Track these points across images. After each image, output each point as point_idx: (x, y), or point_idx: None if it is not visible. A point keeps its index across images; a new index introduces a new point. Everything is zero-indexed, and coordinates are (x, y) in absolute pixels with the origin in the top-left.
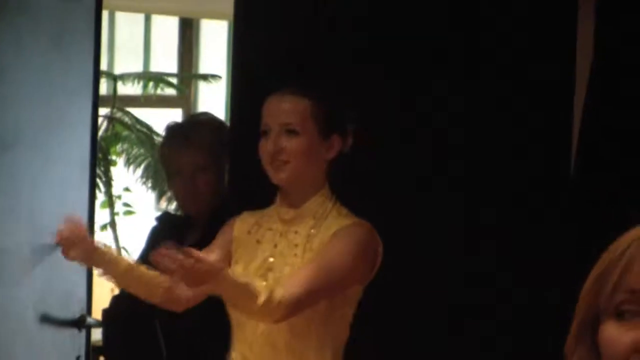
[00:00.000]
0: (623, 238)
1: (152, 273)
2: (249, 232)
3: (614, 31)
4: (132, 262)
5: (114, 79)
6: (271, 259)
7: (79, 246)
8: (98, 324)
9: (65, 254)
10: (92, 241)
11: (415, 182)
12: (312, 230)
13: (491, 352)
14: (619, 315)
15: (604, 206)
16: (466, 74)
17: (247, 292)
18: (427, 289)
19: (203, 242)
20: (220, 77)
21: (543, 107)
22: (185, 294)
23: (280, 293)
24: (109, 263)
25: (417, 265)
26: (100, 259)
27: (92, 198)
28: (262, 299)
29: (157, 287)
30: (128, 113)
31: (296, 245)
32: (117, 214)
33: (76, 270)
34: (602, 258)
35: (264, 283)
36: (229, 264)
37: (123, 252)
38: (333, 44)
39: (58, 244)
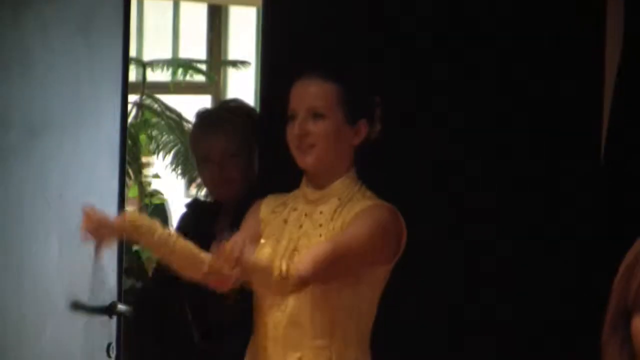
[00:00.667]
0: None
1: (196, 248)
2: (273, 212)
3: None
4: (174, 233)
5: (143, 65)
6: (297, 239)
7: (107, 233)
8: (129, 311)
9: (98, 249)
10: (118, 220)
11: (438, 173)
12: (337, 211)
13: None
14: None
15: (631, 194)
16: (498, 70)
17: (263, 268)
18: (442, 287)
19: (233, 228)
20: (249, 63)
21: (572, 97)
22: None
23: (293, 267)
24: (151, 232)
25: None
26: (135, 229)
27: (122, 184)
28: (275, 273)
29: (202, 262)
30: (157, 100)
31: (320, 225)
32: (148, 199)
33: (107, 257)
34: (630, 252)
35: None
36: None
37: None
38: (359, 30)
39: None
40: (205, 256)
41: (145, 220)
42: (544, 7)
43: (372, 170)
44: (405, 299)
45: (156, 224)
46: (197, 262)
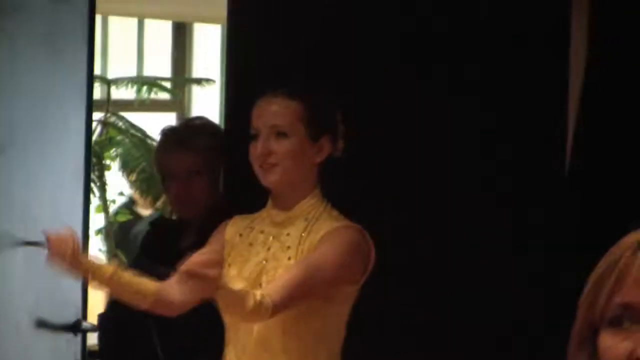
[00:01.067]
0: (616, 247)
1: (139, 279)
2: (240, 235)
3: (608, 32)
4: (117, 269)
5: (107, 83)
6: (264, 262)
7: (68, 257)
8: (94, 329)
9: (53, 261)
10: (81, 254)
11: (419, 185)
12: (304, 233)
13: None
14: (615, 325)
15: (596, 204)
16: (465, 89)
17: (237, 297)
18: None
19: (197, 246)
20: (214, 81)
21: (538, 105)
22: (178, 299)
23: (267, 295)
24: (95, 272)
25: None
26: (85, 268)
27: (86, 202)
28: (250, 303)
29: (145, 293)
30: (122, 117)
31: (288, 248)
32: (111, 216)
33: (71, 277)
34: (597, 267)
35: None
36: (221, 268)
37: (118, 256)
38: (324, 46)
39: (46, 250)
40: (150, 287)
41: (92, 260)
42: (513, 20)
43: (336, 186)
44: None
45: (101, 263)
46: (142, 294)
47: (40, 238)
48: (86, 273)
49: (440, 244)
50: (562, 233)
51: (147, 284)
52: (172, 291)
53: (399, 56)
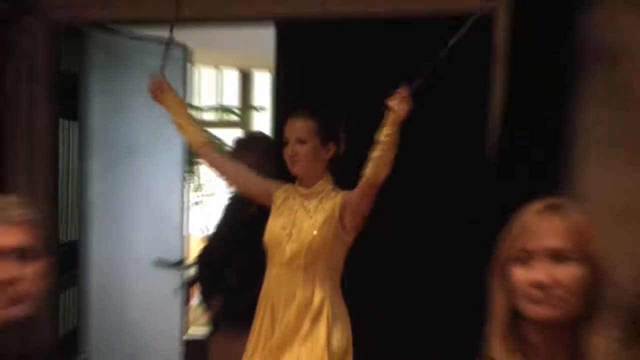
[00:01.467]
0: (524, 209)
1: (197, 129)
2: (283, 198)
3: (522, 55)
4: (191, 116)
5: (197, 109)
6: (294, 219)
7: (163, 93)
8: (191, 265)
9: (155, 98)
10: (171, 93)
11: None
12: (319, 202)
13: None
14: (521, 261)
15: (512, 187)
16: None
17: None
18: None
19: (258, 213)
20: (265, 108)
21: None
22: (218, 159)
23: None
24: (176, 110)
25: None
26: (171, 105)
27: (183, 185)
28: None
29: (198, 139)
30: (207, 131)
31: (309, 211)
32: (203, 195)
33: (176, 232)
34: (511, 222)
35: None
36: (265, 194)
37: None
38: (333, 86)
39: (152, 92)
40: (202, 138)
41: (176, 95)
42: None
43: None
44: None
45: (179, 99)
46: (196, 139)
47: (156, 207)
48: (168, 109)
49: (409, 231)
50: (492, 204)
51: (201, 136)
52: (214, 153)
53: (380, 84)
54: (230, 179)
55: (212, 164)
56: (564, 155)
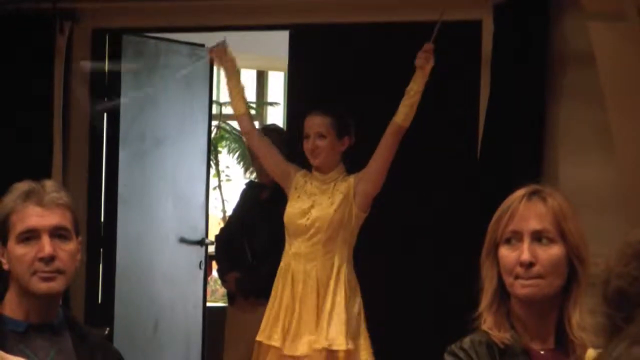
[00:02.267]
0: (510, 196)
1: (241, 99)
2: (301, 184)
3: (500, 78)
4: (239, 84)
5: (220, 104)
6: (312, 201)
7: (222, 57)
8: (212, 243)
9: (217, 59)
10: (231, 59)
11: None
12: (335, 186)
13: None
14: (508, 243)
15: (498, 178)
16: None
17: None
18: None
19: (270, 198)
20: (279, 103)
21: (460, 119)
22: (254, 133)
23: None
24: (231, 75)
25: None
26: (228, 68)
27: (208, 171)
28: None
29: (238, 109)
30: (228, 124)
31: (326, 193)
32: (222, 180)
33: (199, 213)
34: (499, 208)
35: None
36: (284, 173)
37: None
38: (342, 86)
39: (215, 52)
40: (242, 109)
41: (234, 62)
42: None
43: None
44: None
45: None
46: (236, 106)
47: (181, 191)
48: (225, 71)
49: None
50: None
51: (242, 106)
52: (251, 124)
53: (381, 84)
54: (259, 150)
55: (248, 133)
56: (541, 152)
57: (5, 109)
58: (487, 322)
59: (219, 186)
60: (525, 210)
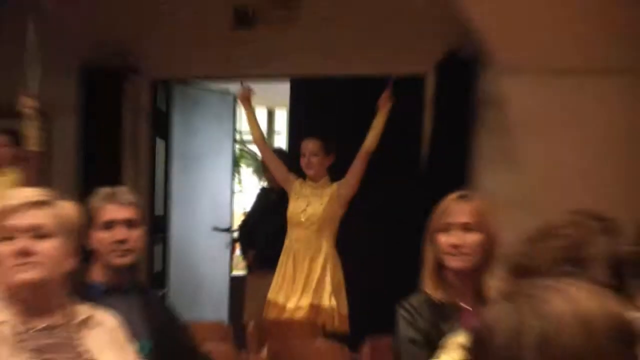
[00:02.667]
0: (445, 199)
1: (259, 128)
2: (299, 188)
3: (440, 106)
4: (256, 119)
5: (240, 132)
6: (307, 202)
7: (246, 99)
8: (235, 230)
9: (242, 101)
10: (250, 102)
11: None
12: (323, 190)
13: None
14: (444, 231)
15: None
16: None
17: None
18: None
19: (277, 199)
20: (282, 132)
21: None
22: (269, 155)
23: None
24: (250, 111)
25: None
26: (248, 108)
27: (232, 180)
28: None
29: (255, 134)
30: (246, 147)
31: (317, 196)
32: (242, 189)
33: (227, 209)
34: (437, 207)
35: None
36: (287, 180)
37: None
38: (329, 120)
39: (242, 95)
40: (259, 135)
41: (252, 104)
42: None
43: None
44: None
45: (252, 112)
46: (254, 132)
47: (212, 194)
48: (246, 110)
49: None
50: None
51: (258, 132)
52: (265, 145)
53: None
54: (270, 163)
55: (264, 152)
56: (468, 168)
57: (95, 137)
58: (427, 285)
59: (240, 190)
60: (455, 208)
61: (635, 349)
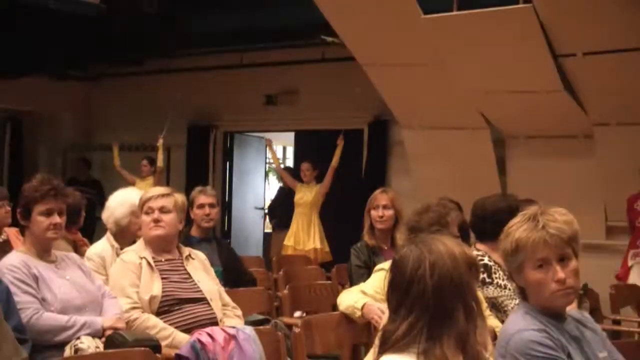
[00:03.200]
0: (375, 192)
1: (277, 160)
2: (300, 187)
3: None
4: (276, 155)
5: (268, 158)
6: (303, 194)
7: (270, 145)
8: (266, 209)
9: (268, 145)
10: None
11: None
12: (313, 188)
13: None
14: (374, 209)
15: (369, 187)
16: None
17: None
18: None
19: (288, 194)
20: (290, 158)
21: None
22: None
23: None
24: (273, 153)
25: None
26: (271, 150)
27: (264, 183)
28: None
29: (277, 162)
30: (271, 167)
31: (309, 191)
32: (269, 189)
33: (261, 198)
34: (371, 196)
35: None
36: (294, 185)
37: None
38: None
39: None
40: (278, 161)
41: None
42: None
43: None
44: None
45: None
46: (277, 161)
47: (254, 189)
48: (270, 151)
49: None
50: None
51: (277, 161)
52: (281, 169)
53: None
54: (284, 176)
55: (279, 171)
56: (386, 177)
57: (194, 162)
58: (366, 237)
59: (269, 188)
60: (380, 196)
61: (478, 271)
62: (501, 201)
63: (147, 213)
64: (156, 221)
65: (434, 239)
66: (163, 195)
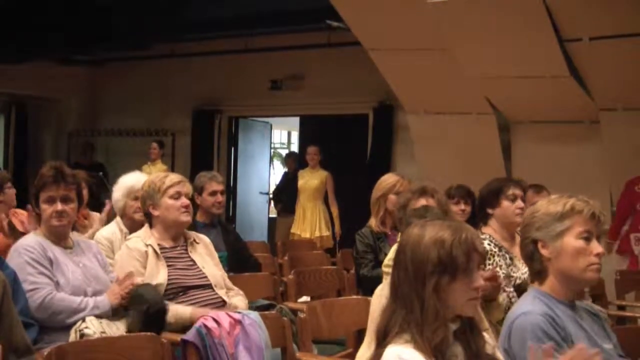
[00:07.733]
0: (382, 178)
1: None
2: (303, 173)
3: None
4: None
5: (273, 144)
6: (308, 179)
7: None
8: (271, 193)
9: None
10: None
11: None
12: (317, 173)
13: None
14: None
15: (375, 172)
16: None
17: None
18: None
19: (292, 179)
20: (295, 143)
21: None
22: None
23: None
24: None
25: None
26: None
27: (269, 168)
28: None
29: None
30: (277, 152)
31: (314, 177)
32: (274, 172)
33: (266, 182)
34: (378, 181)
35: None
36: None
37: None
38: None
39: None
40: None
41: None
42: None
43: None
44: None
45: None
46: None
47: (259, 174)
48: None
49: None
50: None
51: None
52: None
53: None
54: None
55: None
56: (391, 162)
57: (199, 147)
58: (372, 222)
59: (274, 173)
60: (389, 179)
61: (476, 254)
62: (496, 180)
63: (175, 198)
64: (186, 206)
65: (417, 225)
66: (186, 182)
